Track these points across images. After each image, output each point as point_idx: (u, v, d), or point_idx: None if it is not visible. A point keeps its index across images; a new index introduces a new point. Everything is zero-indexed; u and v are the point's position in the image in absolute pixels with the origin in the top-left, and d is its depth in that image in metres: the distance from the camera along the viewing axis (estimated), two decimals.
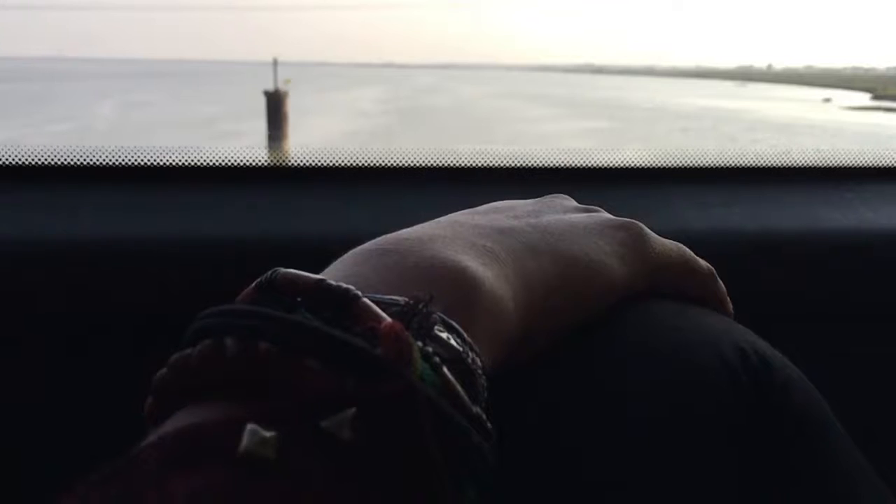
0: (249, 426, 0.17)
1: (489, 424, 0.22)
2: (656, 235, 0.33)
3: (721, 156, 0.76)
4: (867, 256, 0.66)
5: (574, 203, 0.35)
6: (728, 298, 0.35)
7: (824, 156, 0.77)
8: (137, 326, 0.58)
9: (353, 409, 0.18)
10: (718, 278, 0.35)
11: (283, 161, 0.71)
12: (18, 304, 0.57)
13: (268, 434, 0.17)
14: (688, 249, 0.34)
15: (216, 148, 0.68)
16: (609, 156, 0.73)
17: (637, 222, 0.33)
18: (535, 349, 0.28)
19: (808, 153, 0.78)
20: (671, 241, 0.34)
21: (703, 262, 0.35)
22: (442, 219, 0.31)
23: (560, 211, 0.33)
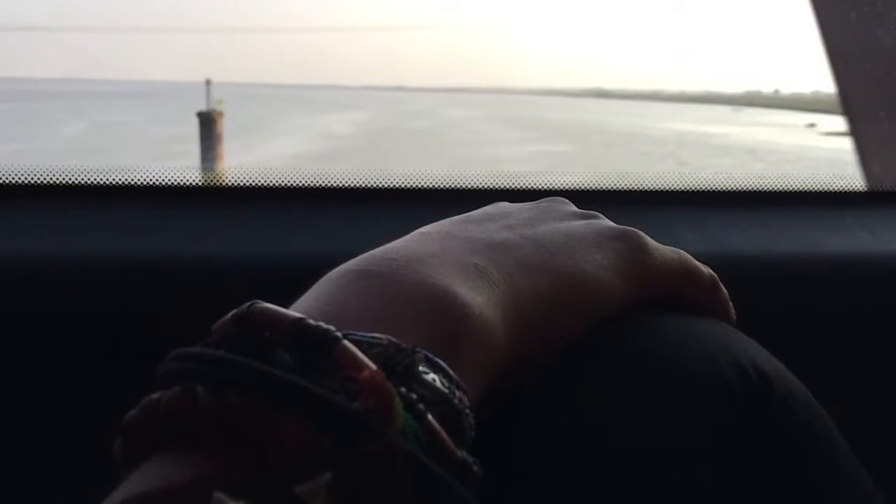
0: (216, 495, 0.16)
1: (475, 467, 0.21)
2: (656, 243, 0.32)
3: (722, 180, 0.75)
4: (867, 281, 0.65)
5: (573, 208, 0.34)
6: (731, 305, 0.35)
7: (823, 181, 0.77)
8: (71, 340, 0.58)
9: (329, 475, 0.17)
10: (721, 285, 0.34)
11: (217, 181, 0.72)
12: None
13: None
14: (689, 256, 0.33)
15: (150, 168, 0.69)
16: (610, 179, 0.73)
17: (636, 231, 0.32)
18: (528, 368, 0.27)
19: (809, 178, 0.77)
20: (671, 249, 0.33)
21: (704, 268, 0.34)
22: (433, 229, 0.29)
23: (557, 218, 0.32)
